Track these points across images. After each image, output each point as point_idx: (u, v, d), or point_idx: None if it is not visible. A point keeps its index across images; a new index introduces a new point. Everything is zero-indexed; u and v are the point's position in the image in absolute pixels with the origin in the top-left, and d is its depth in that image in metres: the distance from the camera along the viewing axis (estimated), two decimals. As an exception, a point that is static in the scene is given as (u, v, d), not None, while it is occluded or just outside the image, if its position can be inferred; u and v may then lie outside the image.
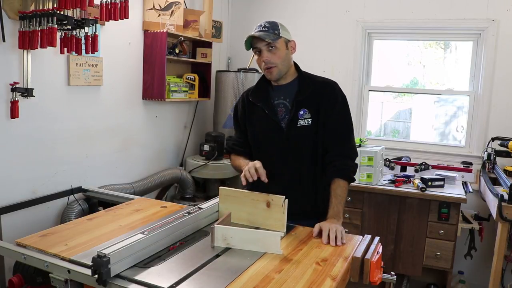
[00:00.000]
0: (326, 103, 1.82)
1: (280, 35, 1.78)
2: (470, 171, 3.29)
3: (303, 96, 1.82)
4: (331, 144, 1.82)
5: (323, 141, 1.82)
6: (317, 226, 1.66)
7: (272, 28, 1.78)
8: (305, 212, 1.84)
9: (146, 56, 3.04)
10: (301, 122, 1.81)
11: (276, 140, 1.84)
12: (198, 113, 3.76)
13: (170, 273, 1.31)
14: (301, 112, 1.81)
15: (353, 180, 1.83)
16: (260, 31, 1.78)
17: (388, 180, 3.16)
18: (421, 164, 3.35)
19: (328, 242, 1.58)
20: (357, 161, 1.89)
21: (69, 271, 1.34)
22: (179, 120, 3.57)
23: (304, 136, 1.82)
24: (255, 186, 1.74)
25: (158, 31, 3.00)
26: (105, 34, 2.65)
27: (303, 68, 1.91)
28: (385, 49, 3.85)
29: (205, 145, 3.40)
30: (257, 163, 1.72)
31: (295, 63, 1.90)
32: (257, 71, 3.57)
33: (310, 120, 1.81)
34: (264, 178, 1.69)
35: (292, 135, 1.82)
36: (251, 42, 1.81)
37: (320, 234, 1.63)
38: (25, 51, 2.14)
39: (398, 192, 3.03)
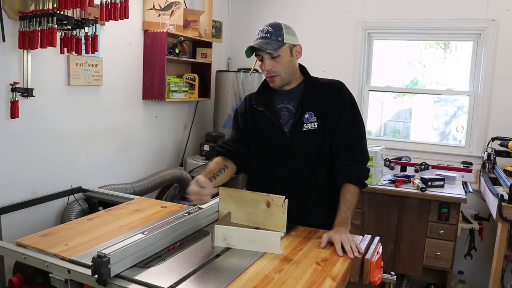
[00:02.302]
0: (334, 106, 1.73)
1: (284, 40, 1.68)
2: (470, 171, 3.29)
3: (309, 99, 1.74)
4: (341, 149, 1.73)
5: (332, 146, 1.74)
6: (325, 236, 1.56)
7: (276, 33, 1.67)
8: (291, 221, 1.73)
9: (146, 56, 3.04)
10: (306, 126, 1.72)
11: (279, 145, 1.76)
12: (198, 113, 3.76)
13: (170, 273, 1.31)
14: (307, 116, 1.73)
15: (365, 185, 1.72)
16: (262, 37, 1.67)
17: (388, 180, 3.16)
18: (421, 164, 3.35)
19: (344, 254, 1.47)
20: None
21: (69, 271, 1.34)
22: (179, 120, 3.57)
23: (310, 141, 1.73)
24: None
25: (158, 31, 3.00)
26: (105, 34, 2.65)
27: (303, 68, 1.88)
28: (385, 49, 3.85)
29: (205, 145, 3.40)
30: (200, 178, 1.56)
31: (302, 67, 1.83)
32: (257, 71, 3.57)
33: (316, 124, 1.72)
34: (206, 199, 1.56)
35: (296, 140, 1.74)
36: (253, 49, 1.70)
37: (329, 244, 1.54)
38: (25, 51, 2.14)
39: (398, 192, 3.03)
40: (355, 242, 1.50)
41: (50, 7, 2.05)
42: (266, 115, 1.79)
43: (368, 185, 3.01)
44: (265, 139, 1.81)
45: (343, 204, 1.65)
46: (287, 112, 1.79)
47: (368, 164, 1.79)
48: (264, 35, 1.68)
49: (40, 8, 2.06)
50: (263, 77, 1.85)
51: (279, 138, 1.77)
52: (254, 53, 1.72)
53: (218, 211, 1.79)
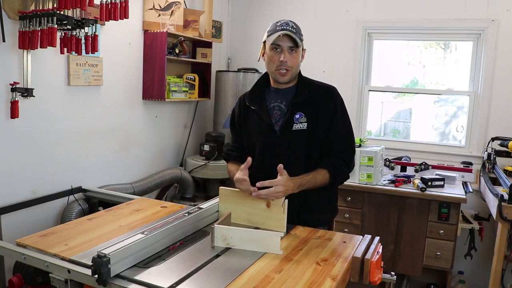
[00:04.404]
0: (326, 109, 1.79)
1: (303, 41, 1.77)
2: (470, 171, 3.29)
3: (300, 98, 1.79)
4: (332, 148, 1.79)
5: (322, 146, 1.79)
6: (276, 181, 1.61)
7: (298, 32, 1.74)
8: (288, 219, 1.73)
9: (146, 56, 3.04)
10: (296, 126, 1.77)
11: (269, 143, 1.81)
12: (198, 113, 3.76)
13: (170, 273, 1.31)
14: (297, 116, 1.78)
15: (335, 183, 1.79)
16: (290, 30, 1.70)
17: (388, 180, 3.16)
18: (421, 164, 3.35)
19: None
20: (357, 161, 1.86)
21: (69, 271, 1.34)
22: (179, 120, 3.57)
23: (298, 140, 1.78)
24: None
25: (158, 31, 3.00)
26: (105, 34, 2.65)
27: (303, 68, 1.89)
28: (385, 49, 3.85)
29: (205, 145, 3.40)
30: (239, 175, 1.67)
31: None
32: (257, 71, 3.57)
33: (305, 124, 1.77)
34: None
35: (285, 139, 1.78)
36: (274, 38, 1.71)
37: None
38: (25, 51, 2.14)
39: (398, 192, 3.03)
40: (274, 194, 1.59)
41: (50, 7, 2.05)
42: (258, 114, 1.83)
43: (368, 185, 3.06)
44: (257, 137, 1.86)
45: (312, 175, 1.71)
46: (279, 111, 1.83)
47: (357, 160, 1.83)
48: (291, 29, 1.72)
49: (40, 8, 2.06)
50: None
51: (270, 137, 1.81)
52: (272, 43, 1.73)
53: (218, 211, 1.79)
